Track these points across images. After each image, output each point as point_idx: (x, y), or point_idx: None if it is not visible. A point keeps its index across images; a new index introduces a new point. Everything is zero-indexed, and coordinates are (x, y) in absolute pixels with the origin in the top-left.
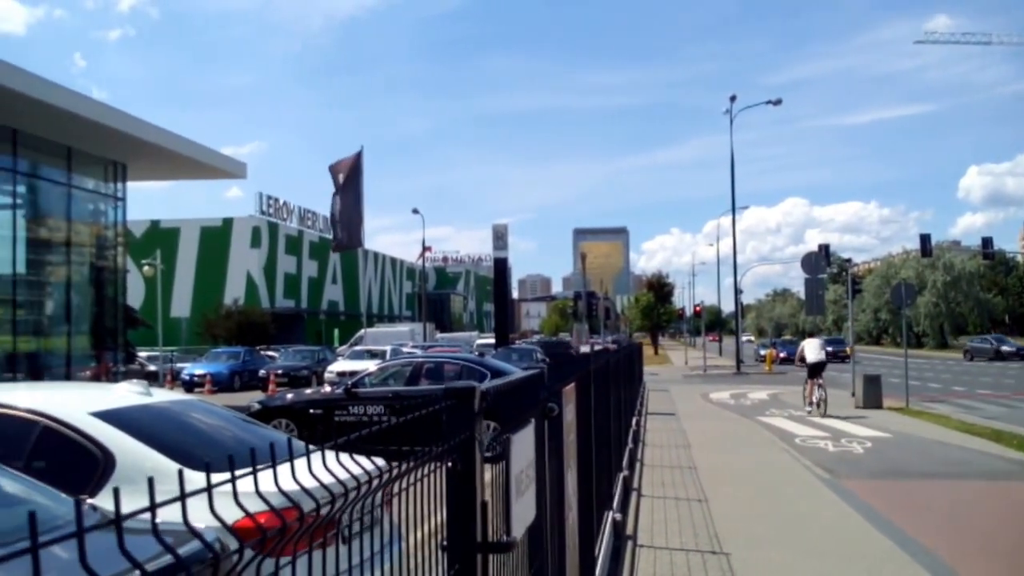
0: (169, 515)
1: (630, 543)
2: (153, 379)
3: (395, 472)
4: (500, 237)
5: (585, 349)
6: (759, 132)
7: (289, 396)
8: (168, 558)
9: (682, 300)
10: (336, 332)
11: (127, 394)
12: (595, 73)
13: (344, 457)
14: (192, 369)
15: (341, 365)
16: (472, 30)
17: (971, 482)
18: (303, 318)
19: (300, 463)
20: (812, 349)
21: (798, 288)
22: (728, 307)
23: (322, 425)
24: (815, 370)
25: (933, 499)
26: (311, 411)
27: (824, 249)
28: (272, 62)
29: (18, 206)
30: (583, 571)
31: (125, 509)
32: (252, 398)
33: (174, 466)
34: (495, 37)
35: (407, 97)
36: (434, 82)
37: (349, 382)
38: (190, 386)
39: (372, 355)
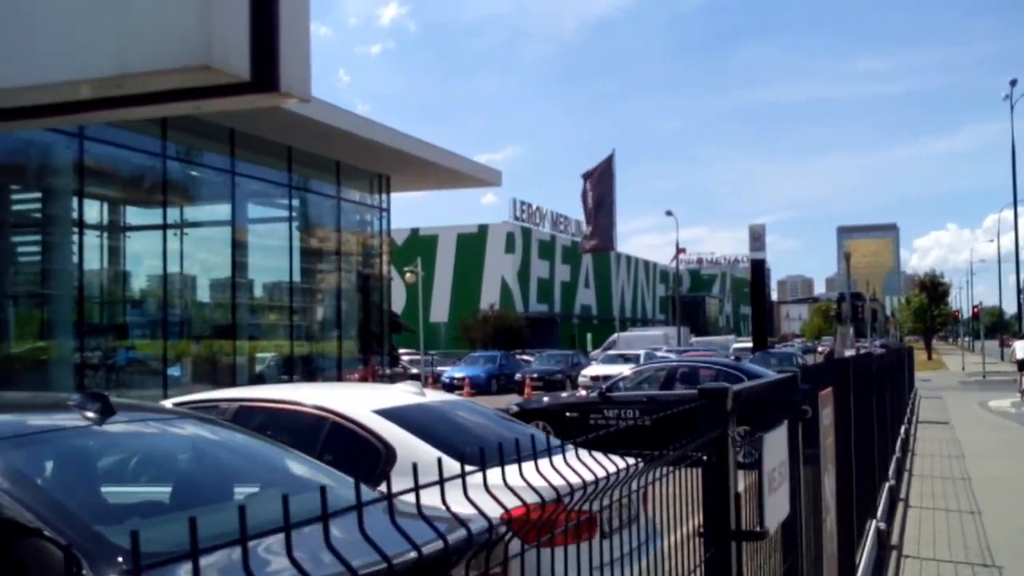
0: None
1: (894, 553)
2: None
3: (647, 465)
4: (757, 238)
5: (850, 353)
6: None
7: (545, 399)
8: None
9: (958, 301)
10: (589, 336)
11: (403, 394)
12: (858, 60)
13: (600, 456)
14: (452, 372)
15: (595, 369)
16: (727, 22)
17: None
18: (556, 322)
19: (559, 459)
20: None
21: None
22: (1012, 308)
23: (577, 428)
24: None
25: None
26: (567, 414)
27: None
28: (526, 67)
29: (292, 218)
30: None
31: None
32: (509, 401)
33: (449, 460)
34: (750, 28)
35: (660, 95)
36: (687, 78)
37: (603, 386)
38: (450, 388)
39: (625, 359)
